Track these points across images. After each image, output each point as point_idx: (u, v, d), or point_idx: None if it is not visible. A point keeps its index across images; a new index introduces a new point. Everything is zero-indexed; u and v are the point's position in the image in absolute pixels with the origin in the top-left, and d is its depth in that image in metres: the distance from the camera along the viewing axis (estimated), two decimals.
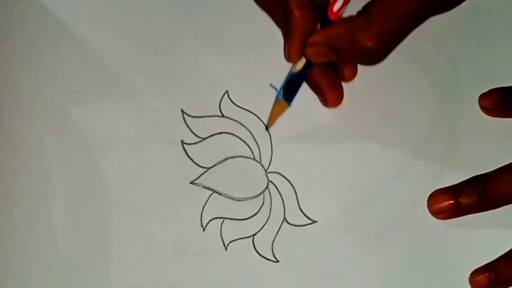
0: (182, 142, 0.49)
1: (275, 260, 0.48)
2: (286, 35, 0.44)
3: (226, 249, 0.48)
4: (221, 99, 0.50)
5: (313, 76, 0.47)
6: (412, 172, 0.50)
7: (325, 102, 0.48)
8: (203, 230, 0.49)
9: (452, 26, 0.52)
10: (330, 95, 0.47)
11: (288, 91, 0.46)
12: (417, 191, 0.49)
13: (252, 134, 0.50)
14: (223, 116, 0.50)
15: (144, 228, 0.48)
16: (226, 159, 0.50)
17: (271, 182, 0.49)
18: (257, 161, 0.50)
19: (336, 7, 0.44)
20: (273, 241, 0.49)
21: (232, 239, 0.48)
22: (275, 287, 0.48)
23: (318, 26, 0.45)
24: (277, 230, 0.49)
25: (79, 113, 0.50)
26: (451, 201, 0.47)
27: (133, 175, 0.49)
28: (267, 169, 0.50)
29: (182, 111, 0.50)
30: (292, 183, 0.49)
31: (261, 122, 0.50)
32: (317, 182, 0.50)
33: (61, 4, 0.51)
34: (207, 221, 0.49)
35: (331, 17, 0.44)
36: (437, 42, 0.52)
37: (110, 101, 0.50)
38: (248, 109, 0.50)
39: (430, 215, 0.49)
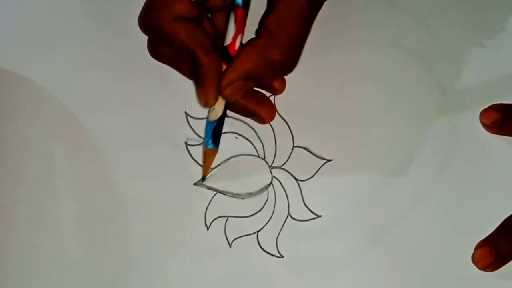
0: (186, 143, 0.50)
1: (279, 255, 0.48)
2: (199, 83, 0.44)
3: (230, 247, 0.48)
4: None
5: (238, 104, 0.47)
6: (415, 166, 0.49)
7: (262, 120, 0.48)
8: (207, 229, 0.49)
9: (455, 20, 0.51)
10: (263, 112, 0.47)
11: (215, 137, 0.46)
12: (421, 186, 0.49)
13: (255, 132, 0.50)
14: (226, 116, 0.50)
15: (149, 228, 0.49)
16: (229, 158, 0.50)
17: (275, 177, 0.49)
18: (261, 157, 0.50)
19: (237, 45, 0.44)
20: (277, 237, 0.49)
21: (236, 237, 0.48)
22: (280, 283, 0.48)
23: (223, 65, 0.45)
24: (281, 226, 0.49)
25: (85, 115, 0.50)
26: (492, 257, 0.47)
27: (138, 176, 0.49)
28: (271, 165, 0.49)
29: (186, 113, 0.50)
30: (297, 178, 0.49)
31: None
32: (322, 177, 0.49)
33: (65, 6, 0.52)
34: (211, 220, 0.49)
35: (233, 54, 0.44)
36: (439, 36, 0.51)
37: (115, 103, 0.51)
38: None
39: (433, 209, 0.49)
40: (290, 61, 0.43)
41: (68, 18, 0.52)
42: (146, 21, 0.44)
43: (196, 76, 0.44)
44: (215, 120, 0.46)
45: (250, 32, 0.45)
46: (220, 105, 0.45)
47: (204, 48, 0.43)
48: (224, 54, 0.44)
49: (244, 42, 0.45)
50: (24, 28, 0.52)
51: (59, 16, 0.52)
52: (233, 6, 0.44)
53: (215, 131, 0.46)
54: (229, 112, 0.50)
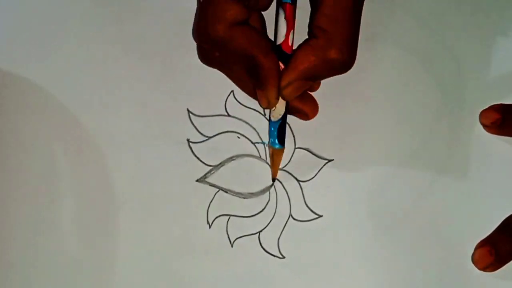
0: (188, 141, 0.50)
1: (281, 256, 0.49)
2: (260, 85, 0.44)
3: (232, 246, 0.49)
4: (227, 98, 0.51)
5: None
6: (416, 166, 0.49)
7: (306, 117, 0.47)
8: (209, 227, 0.49)
9: (455, 20, 0.51)
10: (308, 109, 0.47)
11: (281, 136, 0.46)
12: (422, 185, 0.49)
13: (257, 132, 0.50)
14: (228, 115, 0.51)
15: (151, 225, 0.49)
16: (232, 157, 0.50)
17: (277, 179, 0.49)
18: (262, 158, 0.50)
19: (290, 41, 0.44)
20: (279, 237, 0.49)
21: (238, 236, 0.49)
22: (281, 283, 0.48)
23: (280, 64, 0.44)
24: (283, 226, 0.49)
25: (87, 114, 0.50)
26: (492, 257, 0.47)
27: (141, 174, 0.50)
28: None
29: (188, 110, 0.50)
30: (298, 179, 0.49)
31: (267, 120, 0.50)
32: (323, 177, 0.49)
33: (66, 6, 0.52)
34: (213, 218, 0.49)
35: (287, 50, 0.44)
36: (439, 36, 0.51)
37: (117, 102, 0.51)
38: (253, 108, 0.51)
39: (434, 210, 0.49)
40: (349, 59, 0.43)
41: (68, 17, 0.52)
42: (202, 33, 0.43)
43: (256, 78, 0.44)
44: (278, 120, 0.46)
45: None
46: (281, 104, 0.45)
47: (263, 49, 0.43)
48: (279, 53, 0.44)
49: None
50: (24, 28, 0.52)
51: (60, 16, 0.52)
52: (281, 3, 0.44)
53: (279, 131, 0.46)
54: (233, 112, 0.50)
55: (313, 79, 0.44)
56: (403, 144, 0.50)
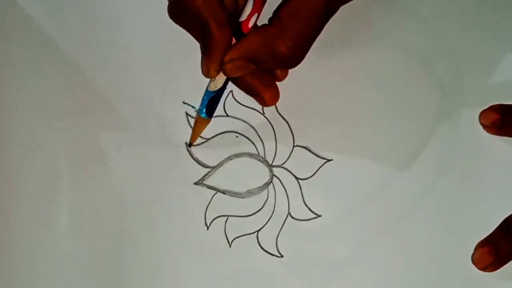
0: (186, 143, 0.50)
1: (279, 255, 0.48)
2: (205, 52, 0.44)
3: (230, 246, 0.48)
4: (225, 99, 0.51)
5: (245, 80, 0.46)
6: (416, 166, 0.49)
7: (263, 101, 0.47)
8: (207, 228, 0.49)
9: (455, 20, 0.51)
10: (267, 94, 0.47)
11: (210, 108, 0.47)
12: (421, 186, 0.49)
13: (256, 131, 0.50)
14: (227, 115, 0.50)
15: (150, 227, 0.49)
16: (230, 157, 0.50)
17: (276, 176, 0.49)
18: (261, 156, 0.50)
19: (251, 23, 0.44)
20: (277, 236, 0.49)
21: (236, 236, 0.48)
22: (280, 282, 0.48)
23: (233, 39, 0.44)
24: (281, 225, 0.49)
25: (85, 116, 0.50)
26: (492, 257, 0.47)
27: (138, 176, 0.50)
28: (272, 164, 0.49)
29: (186, 113, 0.50)
30: (297, 177, 0.49)
31: (265, 119, 0.50)
32: (322, 177, 0.49)
33: (66, 6, 0.52)
34: (211, 220, 0.49)
35: (244, 30, 0.44)
36: (439, 36, 0.51)
37: (115, 103, 0.51)
38: (253, 107, 0.51)
39: (434, 209, 0.49)
40: (294, 56, 0.43)
41: (67, 18, 0.52)
42: None
43: (205, 45, 0.44)
44: (213, 91, 0.46)
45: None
46: (221, 78, 0.45)
47: (218, 20, 0.43)
48: (237, 30, 0.44)
49: (259, 24, 0.45)
50: (24, 29, 0.52)
51: (59, 17, 0.52)
52: None
53: (210, 102, 0.47)
54: (230, 112, 0.50)
55: (257, 64, 0.44)
56: (403, 144, 0.50)
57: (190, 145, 0.50)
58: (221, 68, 0.44)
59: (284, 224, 0.49)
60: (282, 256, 0.48)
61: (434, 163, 0.49)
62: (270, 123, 0.50)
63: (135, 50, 0.51)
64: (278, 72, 0.47)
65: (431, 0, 0.52)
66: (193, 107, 0.50)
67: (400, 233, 0.48)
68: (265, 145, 0.50)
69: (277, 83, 0.48)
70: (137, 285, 0.48)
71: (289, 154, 0.50)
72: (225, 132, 0.50)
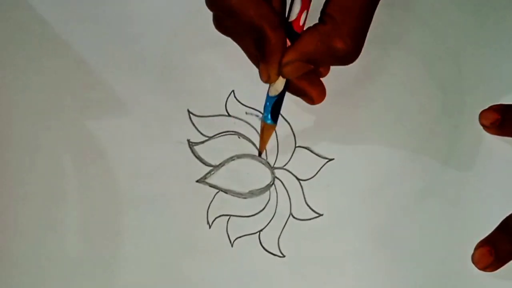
0: (189, 141, 0.50)
1: (281, 255, 0.49)
2: (263, 58, 0.44)
3: (232, 246, 0.49)
4: (227, 98, 0.51)
5: (292, 81, 0.47)
6: (417, 166, 0.49)
7: (311, 101, 0.48)
8: (209, 227, 0.49)
9: (456, 20, 0.51)
10: (314, 93, 0.47)
11: (274, 113, 0.47)
12: (422, 185, 0.49)
13: (258, 132, 0.50)
14: (229, 115, 0.51)
15: (152, 225, 0.49)
16: (232, 157, 0.50)
17: (277, 178, 0.49)
18: (263, 158, 0.50)
19: (302, 21, 0.44)
20: (279, 237, 0.49)
21: (238, 236, 0.49)
22: (281, 282, 0.48)
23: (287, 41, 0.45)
24: (283, 226, 0.49)
25: (88, 115, 0.51)
26: (492, 257, 0.47)
27: (141, 175, 0.50)
28: (273, 165, 0.50)
29: (189, 111, 0.51)
30: (298, 178, 0.49)
31: None
32: (323, 176, 0.49)
33: (65, 6, 0.52)
34: (213, 218, 0.49)
35: (298, 30, 0.44)
36: (439, 36, 0.51)
37: (118, 102, 0.51)
38: (254, 107, 0.51)
39: (434, 208, 0.49)
40: (352, 51, 0.43)
41: (68, 18, 0.52)
42: (214, 0, 0.44)
43: (261, 51, 0.44)
44: (275, 96, 0.46)
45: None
46: (281, 81, 0.45)
47: (271, 23, 0.43)
48: (288, 30, 0.44)
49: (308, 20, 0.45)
50: (25, 30, 0.52)
51: (60, 17, 0.52)
52: None
53: (274, 107, 0.46)
54: (234, 112, 0.50)
55: (315, 64, 0.44)
56: (403, 144, 0.50)
57: (259, 154, 0.50)
58: (279, 72, 0.44)
59: (286, 224, 0.49)
60: (284, 256, 0.49)
61: (435, 163, 0.50)
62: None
63: (137, 48, 0.51)
64: (321, 68, 0.48)
65: (431, 0, 0.52)
66: (257, 115, 0.50)
67: (401, 233, 0.48)
68: (266, 146, 0.50)
69: None
70: (138, 283, 0.49)
71: (290, 155, 0.50)
72: (227, 132, 0.50)
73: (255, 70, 0.49)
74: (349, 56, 0.43)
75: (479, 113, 0.50)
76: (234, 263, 0.48)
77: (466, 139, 0.50)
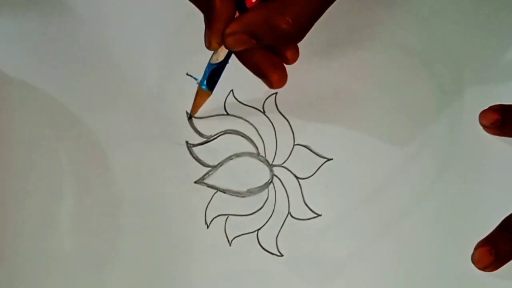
0: (187, 143, 0.50)
1: (279, 254, 0.48)
2: (207, 24, 0.44)
3: (230, 245, 0.48)
4: (226, 98, 0.51)
5: (254, 60, 0.47)
6: (416, 166, 0.49)
7: (270, 84, 0.48)
8: (207, 227, 0.49)
9: (455, 20, 0.52)
10: (274, 77, 0.47)
11: (211, 81, 0.47)
12: (421, 185, 0.49)
13: (257, 130, 0.50)
14: (228, 114, 0.50)
15: (150, 226, 0.49)
16: (230, 156, 0.50)
17: (276, 176, 0.49)
18: (261, 156, 0.50)
19: None
20: (277, 236, 0.48)
21: (236, 235, 0.48)
22: (279, 281, 0.48)
23: (237, 14, 0.45)
24: (281, 225, 0.49)
25: (86, 114, 0.51)
26: (492, 257, 0.47)
27: (139, 175, 0.49)
28: (272, 163, 0.49)
29: (187, 112, 0.50)
30: (297, 176, 0.49)
31: (266, 117, 0.50)
32: (322, 175, 0.49)
33: (65, 5, 0.52)
34: (211, 218, 0.49)
35: (249, 5, 0.44)
36: (439, 36, 0.51)
37: (116, 102, 0.51)
38: (253, 106, 0.51)
39: (433, 209, 0.49)
40: (294, 34, 0.43)
41: (68, 17, 0.52)
42: None
43: (207, 17, 0.44)
44: (215, 64, 0.47)
45: None
46: (223, 51, 0.46)
47: None
48: (240, 4, 0.44)
49: None
50: (23, 29, 0.52)
51: (59, 16, 0.52)
52: None
53: (212, 74, 0.47)
54: (230, 111, 0.50)
55: (257, 40, 0.44)
56: (403, 144, 0.50)
57: (190, 117, 0.50)
58: (222, 41, 0.44)
59: (284, 224, 0.49)
60: (282, 255, 0.48)
61: (434, 162, 0.49)
62: (271, 121, 0.50)
63: (136, 49, 0.51)
64: (288, 54, 0.47)
65: (431, 0, 0.52)
66: (195, 78, 0.50)
67: (400, 233, 0.48)
68: (265, 144, 0.50)
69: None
70: (136, 283, 0.48)
71: (289, 153, 0.50)
72: (226, 131, 0.50)
73: None
74: (289, 37, 0.44)
75: (478, 113, 0.50)
76: (232, 262, 0.48)
77: (465, 139, 0.50)
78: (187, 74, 0.50)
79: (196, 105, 0.49)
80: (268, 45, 0.46)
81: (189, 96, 0.50)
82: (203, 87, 0.48)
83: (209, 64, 0.47)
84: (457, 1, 0.52)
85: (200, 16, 0.51)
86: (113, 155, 0.50)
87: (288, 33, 0.43)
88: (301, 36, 0.44)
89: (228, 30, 0.44)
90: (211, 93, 0.48)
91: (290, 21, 0.43)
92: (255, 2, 0.44)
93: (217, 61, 0.46)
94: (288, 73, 0.48)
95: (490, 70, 0.51)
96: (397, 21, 0.52)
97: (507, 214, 0.47)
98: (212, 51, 0.46)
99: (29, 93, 0.51)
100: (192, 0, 0.46)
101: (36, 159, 0.50)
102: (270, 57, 0.47)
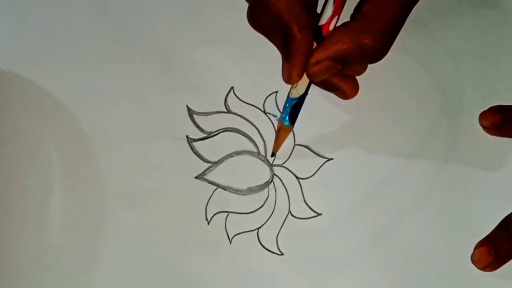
0: (188, 137, 0.50)
1: (279, 253, 0.48)
2: (287, 57, 0.42)
3: (230, 242, 0.48)
4: (227, 95, 0.51)
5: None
6: (416, 166, 0.49)
7: (344, 95, 0.46)
8: (208, 223, 0.49)
9: (455, 23, 0.52)
10: (347, 87, 0.46)
11: (293, 116, 0.45)
12: (421, 185, 0.49)
13: (257, 129, 0.50)
14: (228, 112, 0.50)
15: (150, 221, 0.49)
16: (231, 154, 0.50)
17: (276, 175, 0.49)
18: (262, 155, 0.50)
19: (331, 26, 0.43)
20: (277, 234, 0.48)
21: (237, 233, 0.48)
22: (279, 280, 0.48)
23: (314, 44, 0.43)
24: (281, 223, 0.49)
25: (87, 110, 0.50)
26: (492, 256, 0.46)
27: (139, 170, 0.49)
28: (272, 162, 0.49)
29: (188, 107, 0.50)
30: (297, 176, 0.49)
31: (266, 116, 0.50)
32: (322, 175, 0.49)
33: (65, 4, 0.52)
34: (212, 215, 0.48)
35: (326, 34, 0.43)
36: (439, 38, 0.52)
37: (117, 98, 0.51)
38: (254, 104, 0.51)
39: (433, 209, 0.49)
40: (381, 48, 0.42)
41: (67, 14, 0.52)
42: None
43: (286, 49, 0.42)
44: (296, 98, 0.44)
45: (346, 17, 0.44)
46: (303, 83, 0.44)
47: (300, 22, 0.42)
48: (317, 34, 0.43)
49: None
50: (23, 25, 0.52)
51: (58, 13, 0.52)
52: None
53: (293, 109, 0.45)
54: (234, 108, 0.50)
55: (343, 63, 0.43)
56: (403, 144, 0.50)
57: (273, 154, 0.49)
58: (304, 73, 0.43)
59: (285, 222, 0.49)
60: (282, 254, 0.48)
61: (434, 163, 0.49)
62: (271, 121, 0.50)
63: (137, 44, 0.51)
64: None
65: (430, 2, 0.52)
66: (274, 116, 0.49)
67: (400, 233, 0.48)
68: (266, 143, 0.50)
69: None
70: (136, 279, 0.48)
71: (290, 152, 0.50)
72: (226, 129, 0.50)
73: (254, 67, 0.49)
74: (377, 53, 0.42)
75: (478, 114, 0.50)
76: (232, 259, 0.48)
77: (465, 140, 0.50)
78: (266, 113, 0.49)
79: (278, 142, 0.47)
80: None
81: (189, 90, 0.50)
82: (286, 123, 0.45)
83: (289, 98, 0.44)
84: (457, 4, 0.52)
85: (202, 10, 0.51)
86: (113, 150, 0.50)
87: (376, 49, 0.42)
88: (387, 51, 0.43)
89: (313, 60, 0.42)
90: (293, 127, 0.46)
91: (377, 36, 0.41)
92: (332, 30, 0.43)
93: (298, 95, 0.44)
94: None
95: (490, 70, 0.51)
96: None
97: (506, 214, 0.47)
98: (291, 85, 0.44)
99: (26, 89, 0.51)
100: (266, 34, 0.44)
101: (34, 157, 0.50)
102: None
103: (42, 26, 0.52)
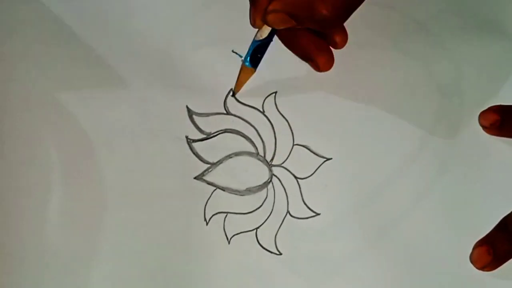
0: (187, 138, 0.50)
1: (278, 253, 0.48)
2: (253, 3, 0.46)
3: (229, 243, 0.48)
4: (226, 96, 0.51)
5: (300, 44, 0.47)
6: (415, 167, 0.49)
7: (317, 67, 0.48)
8: (206, 224, 0.49)
9: (454, 23, 0.52)
10: (321, 59, 0.48)
11: (254, 58, 0.48)
12: (420, 185, 0.49)
13: (256, 130, 0.50)
14: (227, 113, 0.51)
15: (149, 221, 0.49)
16: (230, 155, 0.50)
17: (275, 175, 0.49)
18: (261, 156, 0.50)
19: None
20: (276, 234, 0.48)
21: (235, 233, 0.48)
22: (278, 280, 0.48)
23: None
24: (280, 223, 0.49)
25: (86, 109, 0.50)
26: (490, 256, 0.46)
27: (138, 170, 0.50)
28: (271, 163, 0.49)
29: (187, 107, 0.50)
30: (296, 176, 0.49)
31: (265, 117, 0.50)
32: (321, 175, 0.49)
33: (65, 4, 0.52)
34: (210, 215, 0.49)
35: None
36: (438, 39, 0.51)
37: (117, 97, 0.51)
38: (253, 105, 0.51)
39: (433, 209, 0.49)
40: (331, 20, 0.44)
41: (69, 13, 0.52)
42: None
43: None
44: (259, 41, 0.47)
45: None
46: (267, 28, 0.46)
47: None
48: None
49: None
50: (22, 25, 0.52)
51: (60, 12, 0.52)
52: None
53: (255, 51, 0.48)
54: (233, 110, 0.50)
55: (296, 21, 0.45)
56: (402, 144, 0.50)
57: (234, 94, 0.50)
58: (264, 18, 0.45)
59: (283, 222, 0.49)
60: (280, 254, 0.48)
61: (434, 163, 0.49)
62: (270, 121, 0.50)
63: (136, 45, 0.51)
64: (337, 38, 0.48)
65: (430, 3, 0.52)
66: (240, 56, 0.50)
67: (399, 233, 0.48)
68: (265, 144, 0.50)
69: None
70: (134, 280, 0.48)
71: (288, 152, 0.50)
72: (226, 130, 0.50)
73: None
74: (327, 23, 0.44)
75: (478, 114, 0.50)
76: (231, 260, 0.48)
77: (465, 139, 0.50)
78: (232, 51, 0.50)
79: (239, 82, 0.49)
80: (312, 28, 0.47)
81: (189, 91, 0.50)
82: (247, 64, 0.48)
83: (253, 41, 0.47)
84: (456, 4, 0.52)
85: (202, 12, 0.51)
86: (112, 150, 0.50)
87: (325, 19, 0.44)
88: (338, 24, 0.45)
89: (270, 8, 0.45)
90: (255, 71, 0.48)
91: (330, 7, 0.43)
92: None
93: (261, 38, 0.47)
94: (287, 73, 0.48)
95: (490, 70, 0.51)
96: (397, 24, 0.52)
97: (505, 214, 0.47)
98: (257, 29, 0.47)
99: (25, 87, 0.51)
100: None
101: (33, 156, 0.50)
102: (316, 40, 0.47)
103: (42, 26, 0.52)
